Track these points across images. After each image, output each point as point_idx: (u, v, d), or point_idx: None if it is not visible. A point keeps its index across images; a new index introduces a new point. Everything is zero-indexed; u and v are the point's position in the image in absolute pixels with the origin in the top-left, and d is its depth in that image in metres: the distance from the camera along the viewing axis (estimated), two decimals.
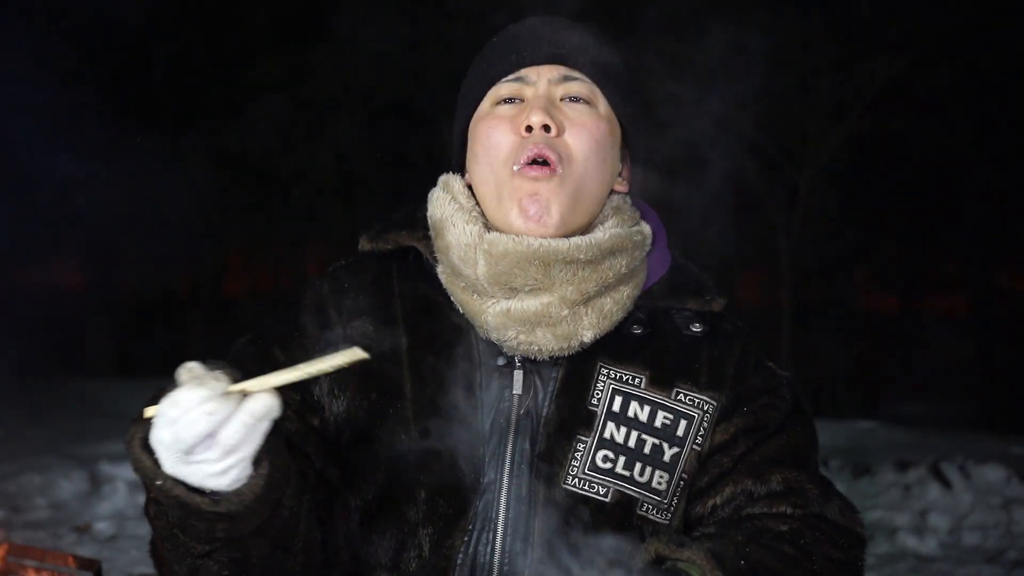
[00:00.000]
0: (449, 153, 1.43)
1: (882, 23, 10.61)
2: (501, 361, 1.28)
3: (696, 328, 1.33)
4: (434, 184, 1.40)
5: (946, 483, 5.98)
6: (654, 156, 1.44)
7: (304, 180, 14.70)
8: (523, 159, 1.26)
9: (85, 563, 1.67)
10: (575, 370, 1.28)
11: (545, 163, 1.25)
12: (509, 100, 1.32)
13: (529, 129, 1.27)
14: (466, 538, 1.24)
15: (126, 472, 5.82)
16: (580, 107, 1.31)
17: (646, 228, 1.35)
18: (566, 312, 1.24)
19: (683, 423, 1.28)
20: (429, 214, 1.34)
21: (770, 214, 12.13)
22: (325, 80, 13.91)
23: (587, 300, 1.25)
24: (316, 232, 15.87)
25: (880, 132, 11.86)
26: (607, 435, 1.26)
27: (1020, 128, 12.12)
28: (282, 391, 1.28)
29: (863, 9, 10.46)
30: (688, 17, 10.74)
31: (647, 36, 10.52)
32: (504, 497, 1.24)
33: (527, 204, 1.25)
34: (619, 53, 1.37)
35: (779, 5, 10.16)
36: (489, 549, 1.24)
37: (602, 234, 1.27)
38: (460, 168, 1.39)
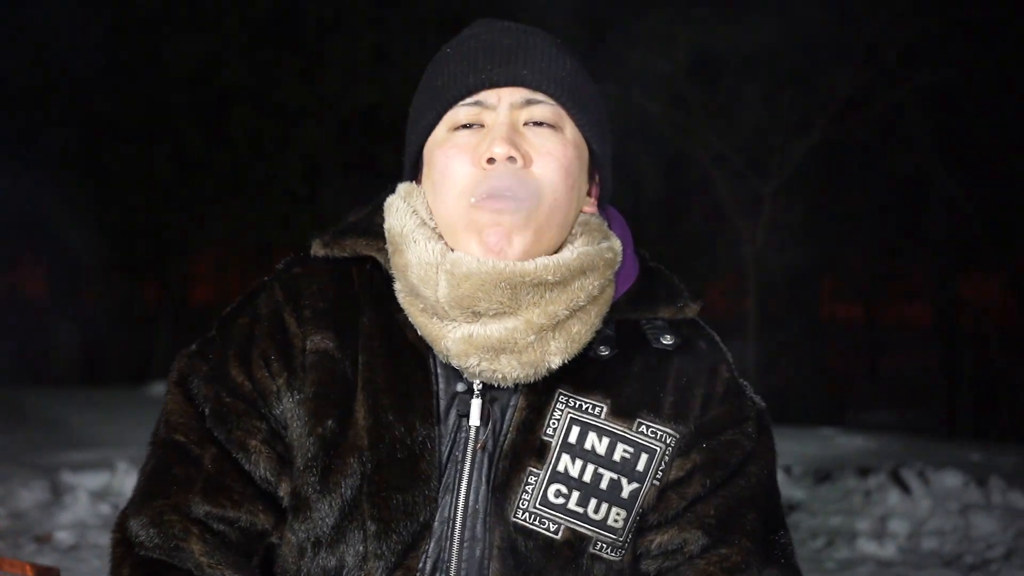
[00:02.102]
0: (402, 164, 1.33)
1: (845, 36, 10.78)
2: (460, 387, 1.19)
3: (667, 340, 1.24)
4: (394, 188, 1.31)
5: (906, 489, 6.07)
6: (620, 169, 1.37)
7: (273, 187, 14.65)
8: (483, 193, 1.15)
9: (44, 572, 1.66)
10: (534, 398, 1.20)
11: (508, 197, 1.16)
12: (467, 125, 1.20)
13: (491, 161, 1.16)
14: None
15: (88, 482, 5.76)
16: (545, 132, 1.19)
17: (616, 244, 1.24)
18: (532, 338, 1.14)
19: (644, 457, 1.20)
20: (387, 226, 1.23)
21: (735, 224, 12.26)
22: (294, 87, 13.89)
23: (555, 324, 1.16)
24: (284, 240, 15.79)
25: (843, 143, 12.03)
26: (561, 468, 1.18)
27: (979, 140, 12.35)
28: (247, 422, 1.19)
29: (825, 22, 10.62)
30: (655, 29, 10.85)
31: (614, 48, 10.60)
32: (458, 535, 1.18)
33: (488, 234, 1.15)
34: (583, 67, 1.26)
35: (742, 18, 10.29)
36: None
37: (570, 253, 1.17)
38: (414, 179, 1.30)
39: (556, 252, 1.20)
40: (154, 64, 13.83)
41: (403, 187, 1.27)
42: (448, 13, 12.88)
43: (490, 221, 1.15)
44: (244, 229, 15.43)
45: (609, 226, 1.29)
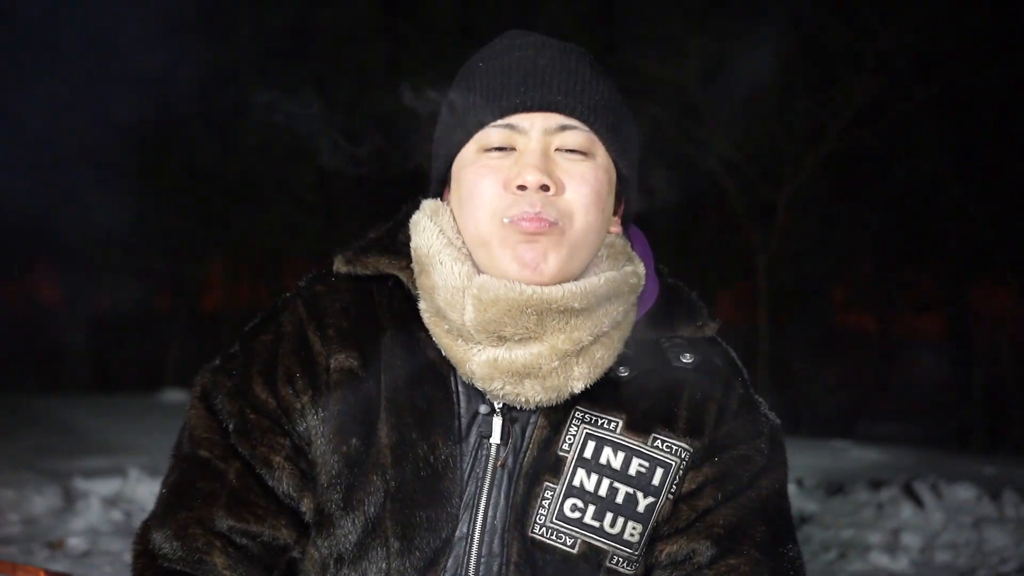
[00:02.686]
0: (427, 175, 1.32)
1: (858, 46, 10.77)
2: (484, 409, 1.20)
3: (686, 360, 1.25)
4: (416, 203, 1.30)
5: (919, 502, 6.04)
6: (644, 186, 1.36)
7: (284, 196, 14.71)
8: (517, 216, 1.15)
9: None
10: (553, 415, 1.21)
11: (542, 221, 1.15)
12: (498, 147, 1.19)
13: (522, 187, 1.16)
14: None
15: (100, 488, 5.78)
16: (577, 158, 1.19)
17: (640, 268, 1.25)
18: (556, 363, 1.15)
19: (660, 471, 1.21)
20: (413, 245, 1.22)
21: (748, 233, 12.24)
22: (306, 96, 13.95)
23: (579, 350, 1.16)
24: (296, 248, 15.85)
25: (856, 153, 12.01)
26: (576, 482, 1.19)
27: (992, 151, 12.30)
28: (271, 438, 1.20)
29: (840, 32, 10.61)
30: (669, 39, 10.86)
31: (627, 56, 10.62)
32: (475, 551, 1.18)
33: (523, 251, 1.15)
34: (616, 87, 1.24)
35: (757, 27, 10.29)
36: None
37: (597, 280, 1.17)
38: (440, 194, 1.29)
39: (581, 275, 1.20)
40: (168, 72, 13.91)
41: (428, 204, 1.26)
42: (461, 23, 12.94)
43: (526, 238, 1.15)
44: (256, 237, 15.49)
45: (632, 245, 1.30)
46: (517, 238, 1.15)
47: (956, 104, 11.70)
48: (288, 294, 1.30)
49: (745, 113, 11.09)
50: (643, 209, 1.34)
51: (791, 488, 6.42)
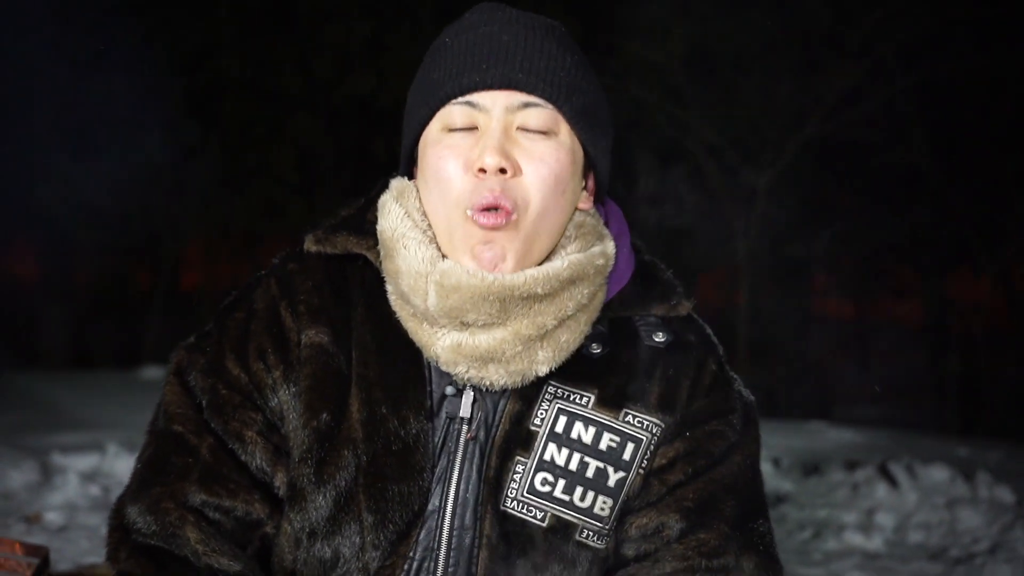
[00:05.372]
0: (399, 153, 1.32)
1: (841, 31, 10.80)
2: (450, 390, 1.21)
3: (659, 338, 1.25)
4: (387, 182, 1.30)
5: (893, 482, 6.11)
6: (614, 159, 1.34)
7: (265, 175, 14.62)
8: (477, 205, 1.15)
9: (32, 550, 1.66)
10: (525, 390, 1.21)
11: (500, 209, 1.15)
12: (461, 127, 1.19)
13: (483, 170, 1.16)
14: (406, 566, 1.19)
15: (77, 463, 5.76)
16: (538, 138, 1.18)
17: (609, 247, 1.24)
18: (520, 348, 1.16)
19: (630, 446, 1.22)
20: (379, 228, 1.23)
21: (728, 217, 12.29)
22: (287, 75, 13.85)
23: (543, 334, 1.17)
24: (275, 228, 15.76)
25: (837, 139, 12.06)
26: (547, 457, 1.20)
27: (971, 139, 12.38)
28: (244, 413, 1.22)
29: (823, 17, 10.63)
30: (651, 21, 10.85)
31: (611, 39, 10.60)
32: (447, 524, 1.20)
33: (480, 250, 1.16)
34: (585, 61, 1.23)
35: (740, 11, 10.29)
36: None
37: (560, 263, 1.17)
38: (409, 173, 1.29)
39: (548, 257, 1.21)
40: (148, 50, 13.76)
41: (396, 185, 1.27)
42: (443, 1, 12.85)
43: (483, 237, 1.16)
44: (236, 216, 15.39)
45: (606, 221, 1.29)
46: (476, 236, 1.16)
47: (937, 91, 11.76)
48: (262, 272, 1.31)
49: (727, 97, 11.11)
50: (624, 192, 1.33)
51: (768, 468, 6.48)
